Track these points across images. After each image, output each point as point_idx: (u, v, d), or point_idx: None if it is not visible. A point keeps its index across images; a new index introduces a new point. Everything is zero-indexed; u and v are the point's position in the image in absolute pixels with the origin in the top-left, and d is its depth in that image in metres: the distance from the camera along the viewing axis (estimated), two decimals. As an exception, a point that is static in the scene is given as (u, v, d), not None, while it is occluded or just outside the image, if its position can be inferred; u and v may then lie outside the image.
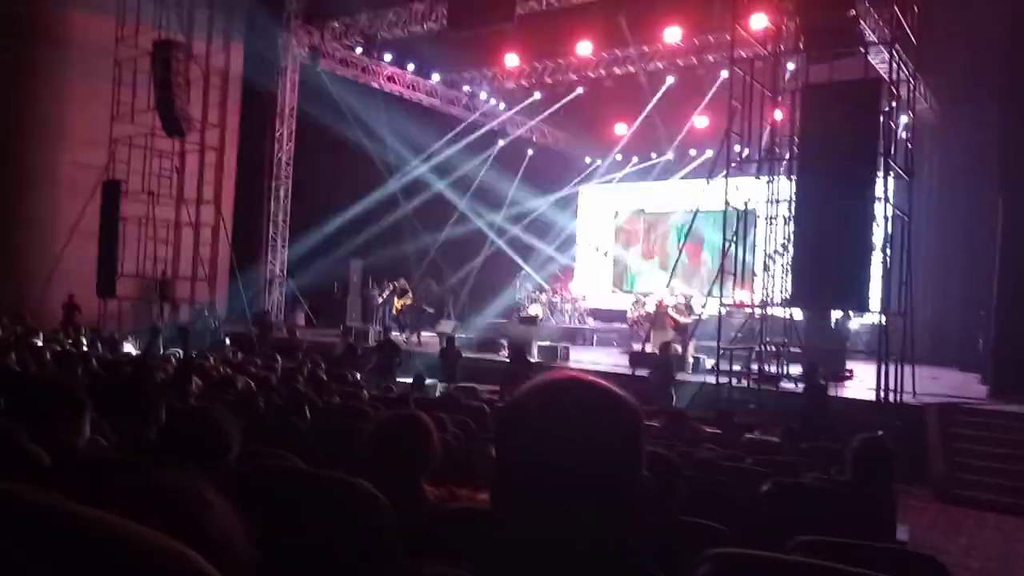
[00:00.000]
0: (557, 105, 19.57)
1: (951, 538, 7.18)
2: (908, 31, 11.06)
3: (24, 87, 14.86)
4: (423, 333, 16.89)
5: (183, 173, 16.34)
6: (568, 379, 0.96)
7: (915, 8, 11.30)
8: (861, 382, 11.47)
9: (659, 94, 17.80)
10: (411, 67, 19.33)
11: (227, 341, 13.99)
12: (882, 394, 10.02)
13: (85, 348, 9.89)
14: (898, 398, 10.11)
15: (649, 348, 13.75)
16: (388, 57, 18.85)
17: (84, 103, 15.15)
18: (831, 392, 10.53)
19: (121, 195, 15.07)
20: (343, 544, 1.53)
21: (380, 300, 17.84)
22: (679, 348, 12.68)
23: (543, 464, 0.89)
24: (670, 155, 20.43)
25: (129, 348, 11.42)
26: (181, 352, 10.06)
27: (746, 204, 12.69)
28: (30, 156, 14.98)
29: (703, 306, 14.40)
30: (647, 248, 21.92)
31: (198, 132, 15.99)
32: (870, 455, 3.39)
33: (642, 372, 11.81)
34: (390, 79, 19.29)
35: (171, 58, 14.31)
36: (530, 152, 22.58)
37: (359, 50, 18.41)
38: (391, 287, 17.97)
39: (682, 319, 13.74)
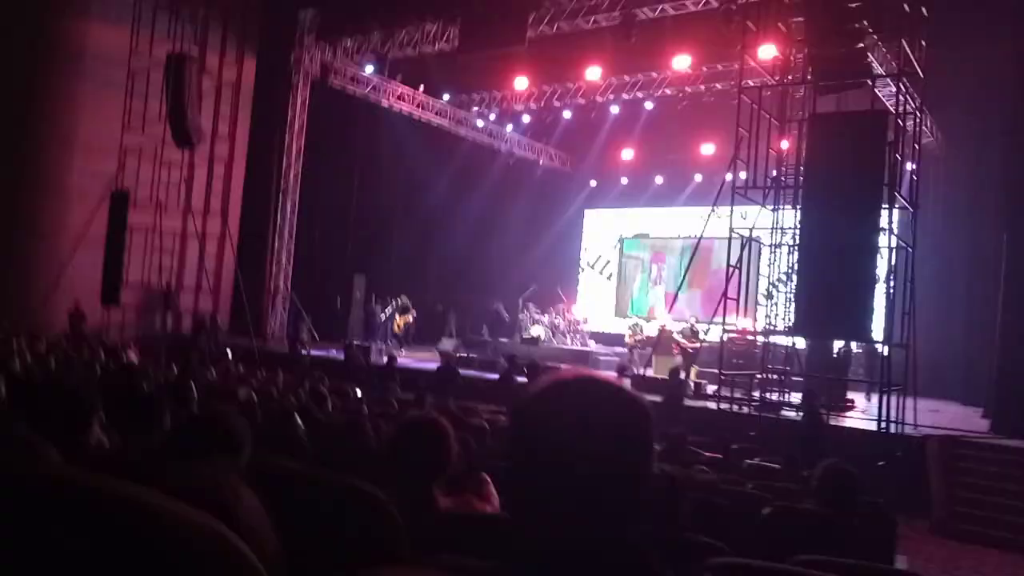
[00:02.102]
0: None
1: (948, 572, 7.14)
2: (915, 65, 11.16)
3: (37, 95, 14.98)
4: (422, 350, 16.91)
5: (191, 184, 16.43)
6: (583, 377, 0.99)
7: (923, 43, 11.41)
8: (862, 412, 11.45)
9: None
10: (421, 87, 19.48)
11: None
12: (883, 425, 10.00)
13: (90, 355, 9.89)
14: (899, 429, 10.08)
15: (650, 372, 13.75)
16: (399, 77, 19.00)
17: (96, 112, 15.27)
18: (831, 421, 10.53)
19: (129, 205, 15.15)
20: (350, 545, 1.55)
21: (383, 317, 17.86)
22: (683, 374, 12.67)
23: (558, 456, 0.92)
24: (676, 181, 20.50)
25: (132, 357, 11.41)
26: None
27: (751, 232, 12.75)
28: (40, 163, 15.07)
29: (706, 332, 14.43)
30: (652, 274, 21.93)
31: (208, 144, 16.09)
32: (833, 481, 3.38)
33: (650, 397, 11.79)
34: (400, 98, 19.43)
35: (184, 70, 14.44)
36: (537, 174, 22.71)
37: (370, 68, 18.55)
38: (394, 304, 18.01)
39: (689, 344, 13.78)
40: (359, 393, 9.70)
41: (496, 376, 14.21)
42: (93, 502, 0.68)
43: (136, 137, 15.22)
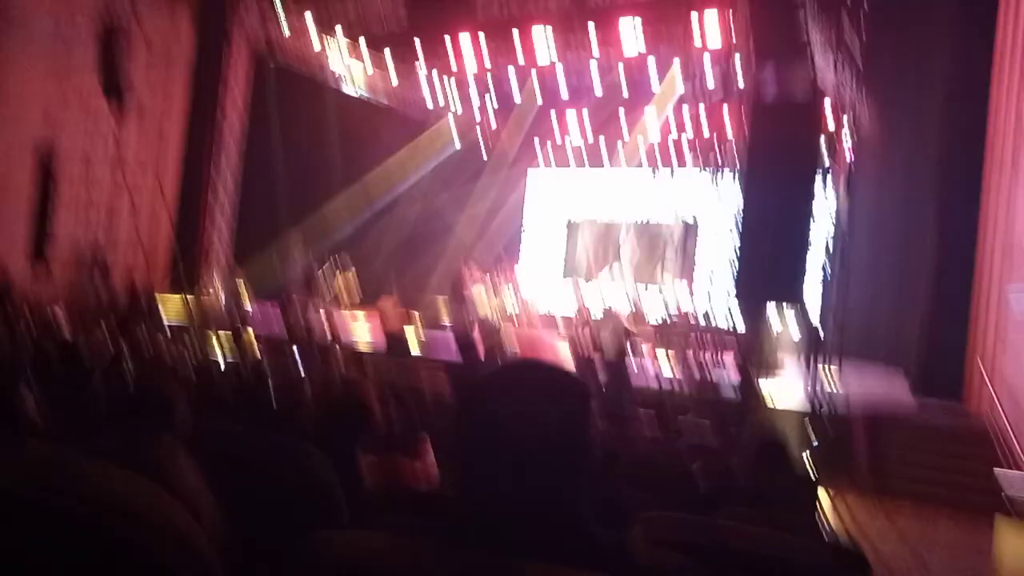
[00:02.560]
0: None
1: (866, 523, 7.55)
2: (855, 48, 11.47)
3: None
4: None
5: (123, 137, 15.85)
6: (527, 361, 1.09)
7: (862, 27, 11.73)
8: (794, 380, 11.95)
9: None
10: (367, 58, 19.14)
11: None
12: (812, 395, 10.53)
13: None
14: (828, 397, 10.60)
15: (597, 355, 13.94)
16: (344, 47, 18.62)
17: (22, 61, 14.58)
18: (765, 398, 11.01)
19: (55, 156, 14.59)
20: (291, 499, 1.56)
21: (321, 274, 17.58)
22: (630, 354, 13.01)
23: (505, 435, 1.00)
24: (619, 151, 20.65)
25: (59, 317, 11.07)
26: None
27: (693, 216, 13.01)
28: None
29: (648, 312, 14.80)
30: (599, 256, 22.04)
31: (140, 98, 15.51)
32: (763, 444, 3.52)
33: (598, 373, 12.19)
34: (347, 69, 19.10)
35: (116, 18, 13.88)
36: (484, 146, 22.65)
37: (315, 43, 18.20)
38: (332, 261, 17.72)
39: (637, 327, 13.99)
40: (296, 352, 9.66)
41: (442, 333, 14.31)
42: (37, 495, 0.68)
43: (63, 86, 14.59)
